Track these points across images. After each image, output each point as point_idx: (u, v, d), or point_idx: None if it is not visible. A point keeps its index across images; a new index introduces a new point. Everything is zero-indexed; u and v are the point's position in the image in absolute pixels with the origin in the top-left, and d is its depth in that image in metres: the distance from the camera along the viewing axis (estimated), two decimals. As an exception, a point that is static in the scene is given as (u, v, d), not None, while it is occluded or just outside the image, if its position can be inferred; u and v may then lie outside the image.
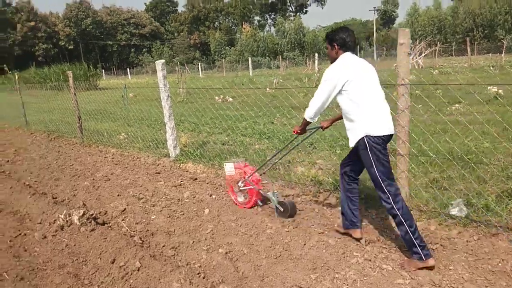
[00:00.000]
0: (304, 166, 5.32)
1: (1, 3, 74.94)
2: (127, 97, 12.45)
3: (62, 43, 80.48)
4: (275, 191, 4.03)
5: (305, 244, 3.31)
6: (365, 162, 3.01)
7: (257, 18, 73.96)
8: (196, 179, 5.49)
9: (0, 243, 3.72)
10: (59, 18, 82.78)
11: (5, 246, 3.65)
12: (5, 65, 63.04)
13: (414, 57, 26.44)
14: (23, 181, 5.97)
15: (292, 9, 72.06)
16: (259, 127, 8.50)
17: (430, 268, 2.80)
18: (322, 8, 72.43)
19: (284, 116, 8.89)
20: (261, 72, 38.66)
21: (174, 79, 22.53)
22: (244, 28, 55.41)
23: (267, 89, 16.48)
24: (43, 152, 8.15)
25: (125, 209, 4.43)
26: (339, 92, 3.00)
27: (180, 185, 5.27)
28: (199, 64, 43.36)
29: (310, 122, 3.32)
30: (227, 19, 77.92)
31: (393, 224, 3.28)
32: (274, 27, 67.56)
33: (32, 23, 76.32)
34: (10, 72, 48.89)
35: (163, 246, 3.49)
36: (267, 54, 49.87)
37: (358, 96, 2.94)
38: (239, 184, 4.26)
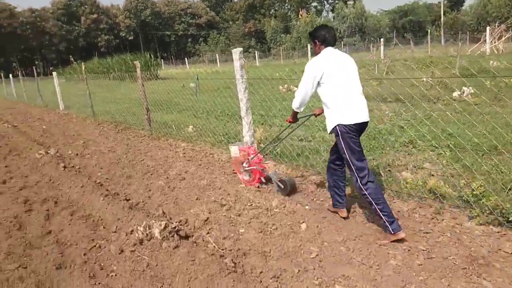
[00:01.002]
0: (409, 171, 4.50)
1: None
2: (199, 88, 12.06)
3: (123, 34, 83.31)
4: (276, 171, 4.74)
5: (449, 286, 2.54)
6: (339, 148, 3.40)
7: (314, 4, 71.92)
8: (280, 182, 4.85)
9: (74, 256, 3.31)
10: (119, 10, 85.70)
11: (79, 261, 3.22)
12: (70, 56, 66.37)
13: (493, 41, 24.10)
14: (94, 178, 5.66)
15: (352, -8, 69.29)
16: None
17: (401, 240, 3.14)
18: (384, -10, 68.72)
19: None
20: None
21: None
22: (301, 15, 53.91)
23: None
24: (112, 144, 7.91)
25: (208, 218, 3.88)
26: (318, 84, 3.36)
27: (264, 190, 4.64)
28: (255, 52, 42.71)
29: (298, 112, 3.78)
30: (283, 6, 76.48)
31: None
32: (333, 12, 65.34)
33: (95, 16, 79.64)
34: (75, 62, 51.15)
35: (261, 273, 2.87)
36: (325, 41, 48.11)
37: (333, 88, 3.29)
38: (244, 165, 4.81)
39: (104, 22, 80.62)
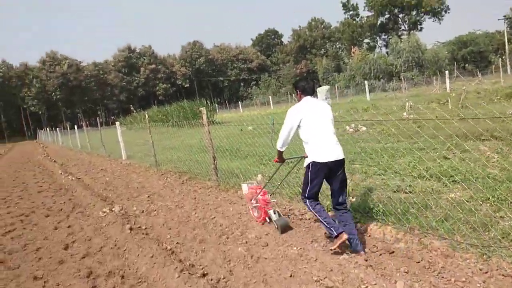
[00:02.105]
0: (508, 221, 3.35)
1: (127, 51, 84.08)
2: (274, 129, 11.42)
3: (179, 82, 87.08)
4: (276, 210, 4.95)
5: None
6: (305, 177, 4.08)
7: (366, 40, 71.17)
8: (392, 252, 3.84)
9: None
10: (176, 59, 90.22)
11: None
12: (131, 105, 69.83)
13: None
14: (164, 242, 4.94)
15: (405, 27, 67.83)
16: (431, 165, 6.57)
17: (345, 240, 3.76)
18: (440, 23, 66.59)
19: (451, 149, 6.94)
20: (376, 95, 36.02)
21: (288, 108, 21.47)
22: (353, 52, 53.28)
23: (404, 114, 14.35)
24: (178, 199, 7.28)
25: (315, 311, 2.95)
26: (298, 126, 4.00)
27: (376, 264, 3.65)
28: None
29: (282, 151, 4.31)
30: (334, 45, 76.53)
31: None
32: (386, 47, 64.22)
33: (153, 66, 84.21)
34: (135, 111, 53.43)
35: None
36: (380, 76, 46.88)
37: (308, 131, 3.96)
38: (252, 201, 5.22)
39: (162, 72, 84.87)
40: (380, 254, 3.83)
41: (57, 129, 37.08)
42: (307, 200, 4.04)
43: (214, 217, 5.76)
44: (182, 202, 6.98)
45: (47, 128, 50.16)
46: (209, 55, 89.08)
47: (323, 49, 77.84)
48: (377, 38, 71.49)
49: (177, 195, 7.58)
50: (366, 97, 32.23)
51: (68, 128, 31.23)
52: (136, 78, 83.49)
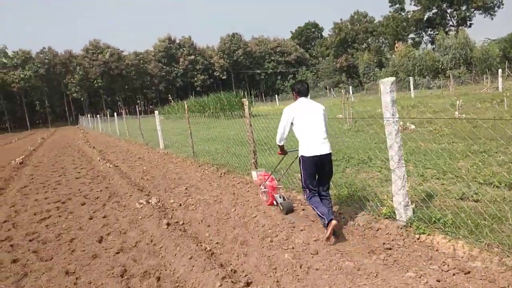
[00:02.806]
0: None
1: (167, 41, 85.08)
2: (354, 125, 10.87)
3: (217, 74, 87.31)
4: (282, 194, 5.65)
5: None
6: (300, 169, 4.54)
7: (411, 35, 68.40)
8: (468, 272, 3.27)
9: None
10: (214, 51, 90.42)
11: None
12: (169, 95, 70.66)
13: None
14: (202, 241, 4.58)
15: (453, 23, 64.56)
16: (498, 170, 5.86)
17: (335, 226, 4.07)
18: (492, 19, 62.77)
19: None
20: (421, 93, 34.45)
21: (335, 102, 20.68)
22: (396, 47, 51.27)
23: (456, 113, 13.40)
24: (216, 193, 6.91)
25: None
26: (292, 124, 4.50)
27: (451, 286, 3.10)
28: (350, 87, 41.27)
29: (282, 145, 4.94)
30: (376, 40, 74.12)
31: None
32: (432, 43, 61.50)
33: (192, 57, 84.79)
34: (173, 101, 53.89)
35: None
36: (425, 73, 44.84)
37: (298, 129, 4.45)
38: (261, 187, 5.87)
39: (200, 63, 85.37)
40: (454, 274, 3.27)
41: (98, 115, 37.95)
42: (306, 191, 4.50)
43: (255, 216, 5.34)
44: (221, 197, 6.61)
45: (88, 115, 51.60)
46: (247, 47, 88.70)
47: (365, 44, 75.57)
48: (423, 33, 68.48)
49: (215, 189, 7.22)
50: (410, 94, 30.87)
51: (108, 115, 31.80)
52: (175, 69, 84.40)
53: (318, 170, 4.45)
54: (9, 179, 10.83)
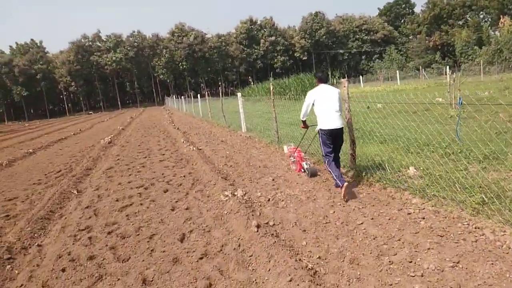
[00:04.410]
0: None
1: (248, 23, 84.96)
2: (461, 111, 9.44)
3: (297, 55, 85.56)
4: (308, 162, 6.94)
5: None
6: (319, 140, 5.81)
7: (520, 9, 60.33)
8: None
9: None
10: (295, 31, 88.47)
11: None
12: (249, 77, 70.74)
13: None
14: (302, 257, 3.74)
15: None
16: None
17: (347, 187, 5.18)
18: None
19: None
20: (532, 74, 30.10)
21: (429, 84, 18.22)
22: (502, 22, 45.43)
23: None
24: (308, 187, 6.05)
25: None
26: (313, 104, 5.74)
27: None
28: (448, 68, 37.33)
29: (305, 120, 6.29)
30: (476, 15, 66.70)
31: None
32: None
33: (273, 38, 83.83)
34: (253, 83, 53.69)
35: None
36: (538, 52, 39.30)
37: (317, 108, 5.66)
38: (291, 158, 7.43)
39: (281, 44, 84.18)
40: None
41: (182, 97, 38.95)
42: (325, 157, 5.67)
43: (362, 223, 4.39)
44: (314, 193, 5.74)
45: (174, 96, 53.50)
46: (331, 26, 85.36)
47: (462, 20, 68.46)
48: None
49: (306, 183, 6.36)
50: (519, 75, 27.03)
51: (192, 96, 32.35)
52: (256, 50, 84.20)
53: (333, 140, 5.64)
54: (97, 159, 11.00)
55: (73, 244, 4.57)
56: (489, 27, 56.45)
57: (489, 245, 3.56)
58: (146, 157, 10.57)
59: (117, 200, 6.38)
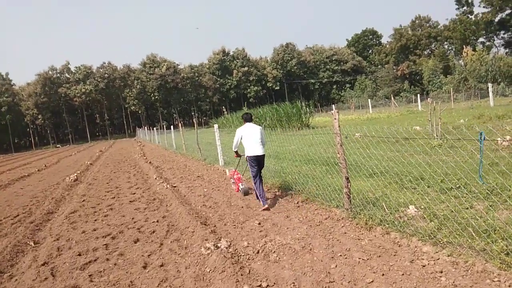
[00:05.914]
0: None
1: (221, 54, 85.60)
2: (483, 147, 8.91)
3: (270, 85, 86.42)
4: (244, 183, 8.44)
5: None
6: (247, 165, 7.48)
7: (480, 39, 63.23)
8: None
9: None
10: (267, 61, 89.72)
11: None
12: (223, 107, 70.47)
13: None
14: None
15: (531, 24, 59.11)
16: None
17: (266, 209, 6.78)
18: None
19: None
20: (498, 101, 30.96)
21: (402, 112, 18.23)
22: (465, 52, 47.29)
23: None
24: (301, 234, 5.33)
25: None
26: (241, 138, 7.25)
27: None
28: (418, 96, 38.14)
29: (236, 151, 7.89)
30: (441, 45, 69.44)
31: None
32: (506, 47, 56.47)
33: (246, 68, 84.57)
34: (227, 113, 53.28)
35: None
36: (499, 80, 40.79)
37: (245, 141, 7.18)
38: (231, 180, 9.09)
39: (253, 74, 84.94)
40: None
41: (154, 128, 37.95)
42: (253, 178, 7.17)
43: (372, 281, 3.71)
44: (309, 240, 5.03)
45: (145, 127, 52.31)
46: (301, 56, 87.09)
47: (428, 50, 71.17)
48: (494, 37, 63.17)
49: (298, 227, 5.66)
50: (488, 102, 27.73)
51: (165, 127, 31.48)
52: (229, 81, 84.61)
53: (257, 164, 7.18)
54: (60, 200, 9.97)
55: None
56: (454, 57, 58.68)
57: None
58: (114, 197, 9.64)
59: (79, 255, 5.47)
